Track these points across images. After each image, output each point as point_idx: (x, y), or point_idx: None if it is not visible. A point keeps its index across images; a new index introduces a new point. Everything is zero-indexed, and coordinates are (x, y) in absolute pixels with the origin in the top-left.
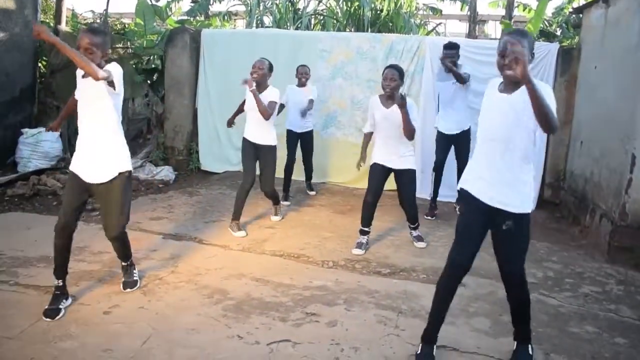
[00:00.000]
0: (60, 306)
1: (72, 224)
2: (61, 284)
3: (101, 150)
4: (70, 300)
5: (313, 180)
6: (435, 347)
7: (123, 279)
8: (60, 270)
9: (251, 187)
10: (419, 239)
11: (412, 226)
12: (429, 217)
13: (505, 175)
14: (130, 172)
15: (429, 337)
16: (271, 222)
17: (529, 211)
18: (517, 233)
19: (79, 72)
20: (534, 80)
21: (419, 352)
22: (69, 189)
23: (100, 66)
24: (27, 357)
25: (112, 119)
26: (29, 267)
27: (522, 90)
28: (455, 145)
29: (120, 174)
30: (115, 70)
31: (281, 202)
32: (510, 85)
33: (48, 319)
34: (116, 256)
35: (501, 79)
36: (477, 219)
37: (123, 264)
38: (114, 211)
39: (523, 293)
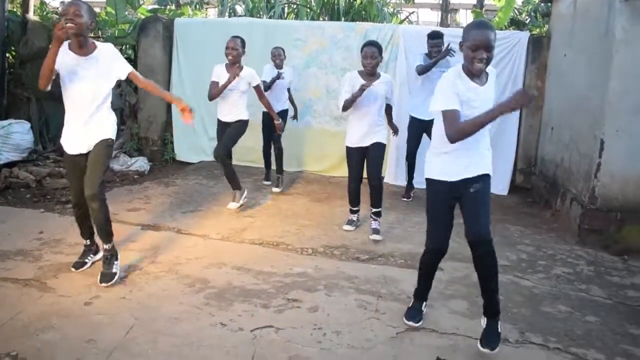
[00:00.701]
0: (87, 260)
1: (83, 199)
2: (89, 242)
3: (97, 124)
4: (99, 255)
5: (291, 170)
6: (425, 303)
7: (101, 270)
8: (85, 233)
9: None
10: (376, 231)
11: (373, 211)
12: (405, 199)
13: (478, 152)
14: (113, 141)
15: (420, 295)
16: (250, 211)
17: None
18: (483, 192)
19: (71, 55)
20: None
21: (410, 305)
22: (71, 172)
23: (91, 46)
24: (10, 349)
25: (109, 97)
26: (6, 260)
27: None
28: (427, 132)
29: (104, 139)
30: (119, 57)
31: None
32: (476, 77)
33: (72, 269)
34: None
35: (457, 69)
36: (444, 201)
37: (105, 246)
38: (93, 170)
39: (491, 257)
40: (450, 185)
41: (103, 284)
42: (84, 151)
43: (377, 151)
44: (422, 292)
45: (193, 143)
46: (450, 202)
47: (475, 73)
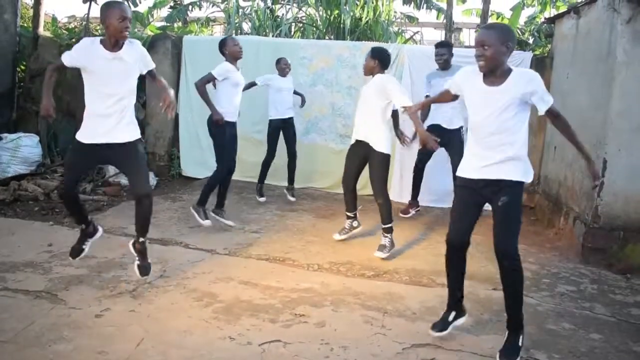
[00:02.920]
0: (84, 246)
1: (74, 189)
2: (84, 227)
3: (126, 118)
4: (99, 234)
5: (295, 186)
6: (453, 314)
7: (137, 263)
8: (81, 218)
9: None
10: (381, 247)
11: (383, 227)
12: (402, 214)
13: (498, 156)
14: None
15: (448, 301)
16: (256, 227)
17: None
18: (509, 205)
19: (103, 53)
20: None
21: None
22: (78, 162)
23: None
24: (23, 359)
25: (134, 93)
26: (16, 272)
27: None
28: (447, 146)
29: (139, 139)
30: (145, 53)
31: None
32: (491, 77)
33: (70, 258)
34: (135, 229)
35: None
36: (462, 195)
37: (143, 239)
38: (142, 169)
39: (513, 273)
40: (466, 181)
41: (144, 276)
42: (110, 141)
43: (379, 160)
44: (449, 298)
45: (200, 158)
46: (470, 198)
47: (480, 71)
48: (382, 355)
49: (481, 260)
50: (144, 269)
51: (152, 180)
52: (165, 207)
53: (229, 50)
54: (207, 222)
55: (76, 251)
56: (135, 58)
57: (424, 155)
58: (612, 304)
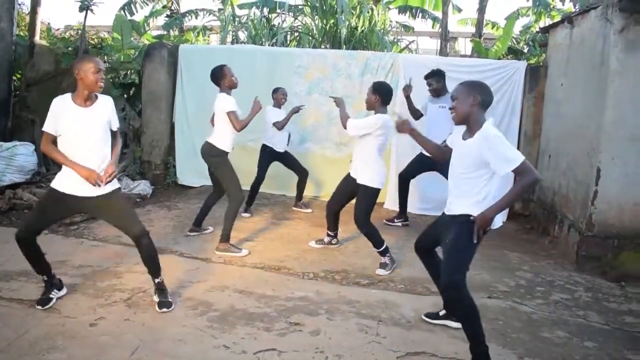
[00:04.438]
0: (52, 295)
1: (34, 237)
2: (46, 278)
3: (103, 166)
4: (64, 291)
5: (289, 194)
6: (444, 312)
7: (158, 299)
8: (42, 268)
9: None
10: (382, 265)
11: (377, 252)
12: (386, 222)
13: (452, 194)
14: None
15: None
16: (251, 236)
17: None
18: (452, 240)
19: (75, 109)
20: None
21: None
22: (50, 208)
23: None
24: None
25: (109, 141)
26: (10, 280)
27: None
28: (441, 170)
29: (119, 187)
30: (114, 112)
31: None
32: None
33: (38, 307)
34: (148, 273)
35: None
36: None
37: (156, 280)
38: (128, 213)
39: (453, 303)
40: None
41: (164, 309)
42: (91, 194)
43: (361, 193)
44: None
45: (195, 167)
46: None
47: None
48: None
49: (476, 268)
50: (163, 305)
51: (148, 188)
52: (161, 215)
53: (228, 82)
54: (245, 251)
55: (45, 301)
56: (108, 115)
57: (412, 168)
58: (606, 311)
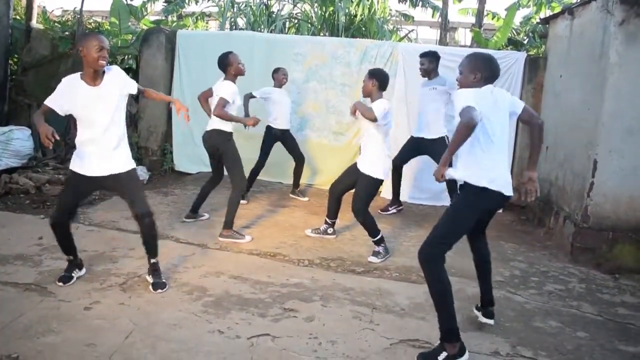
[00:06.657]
0: (73, 274)
1: (67, 220)
2: (72, 258)
3: (119, 146)
4: (84, 271)
5: (286, 182)
6: None
7: (152, 280)
8: (70, 250)
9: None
10: (375, 253)
11: (372, 240)
12: (381, 212)
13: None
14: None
15: None
16: (247, 223)
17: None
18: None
19: (85, 89)
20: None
21: None
22: (74, 191)
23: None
24: (11, 351)
25: (124, 120)
26: (6, 264)
27: None
28: (432, 154)
29: (134, 168)
30: (125, 75)
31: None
32: None
33: (60, 283)
34: (145, 252)
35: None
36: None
37: (152, 260)
38: (137, 192)
39: (427, 279)
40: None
41: (159, 290)
42: (103, 174)
43: (360, 181)
44: None
45: (192, 154)
46: None
47: None
48: (370, 350)
49: (471, 257)
50: (157, 286)
51: (144, 174)
52: (157, 201)
53: (235, 69)
54: (248, 238)
55: (66, 278)
56: (119, 86)
57: (403, 154)
58: (599, 303)
